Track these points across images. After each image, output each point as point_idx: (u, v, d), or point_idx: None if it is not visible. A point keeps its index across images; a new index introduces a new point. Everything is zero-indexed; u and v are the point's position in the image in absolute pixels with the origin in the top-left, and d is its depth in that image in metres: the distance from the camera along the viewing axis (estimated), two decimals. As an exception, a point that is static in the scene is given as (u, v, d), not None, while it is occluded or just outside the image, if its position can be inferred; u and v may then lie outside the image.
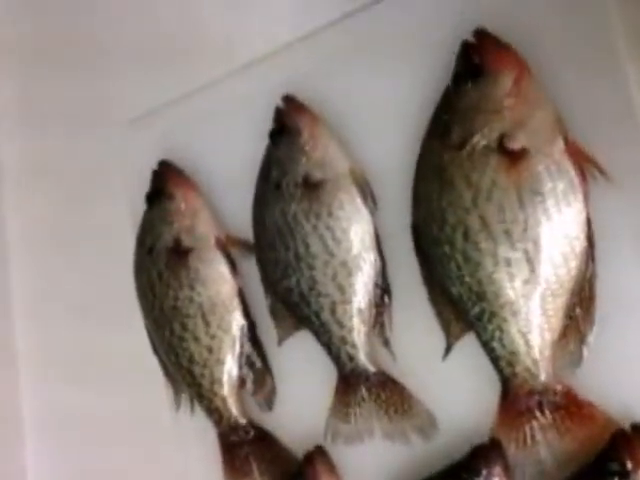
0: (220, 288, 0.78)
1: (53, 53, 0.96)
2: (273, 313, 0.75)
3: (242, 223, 0.79)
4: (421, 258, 0.65)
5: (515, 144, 0.58)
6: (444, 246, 0.61)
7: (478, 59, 0.58)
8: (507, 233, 0.58)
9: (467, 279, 0.60)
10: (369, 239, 0.69)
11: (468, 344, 0.64)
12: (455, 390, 0.67)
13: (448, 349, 0.66)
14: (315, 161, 0.70)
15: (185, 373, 0.80)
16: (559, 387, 0.60)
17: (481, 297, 0.60)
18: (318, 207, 0.69)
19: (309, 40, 0.75)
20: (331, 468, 0.72)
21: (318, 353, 0.72)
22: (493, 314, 0.60)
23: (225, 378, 0.78)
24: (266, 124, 0.76)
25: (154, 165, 0.84)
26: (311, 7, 0.77)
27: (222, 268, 0.79)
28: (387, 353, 0.70)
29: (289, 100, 0.74)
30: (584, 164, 0.57)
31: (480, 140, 0.59)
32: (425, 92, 0.66)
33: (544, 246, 0.58)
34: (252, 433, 0.79)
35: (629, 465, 0.56)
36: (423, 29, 0.68)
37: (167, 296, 0.79)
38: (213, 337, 0.78)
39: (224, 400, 0.78)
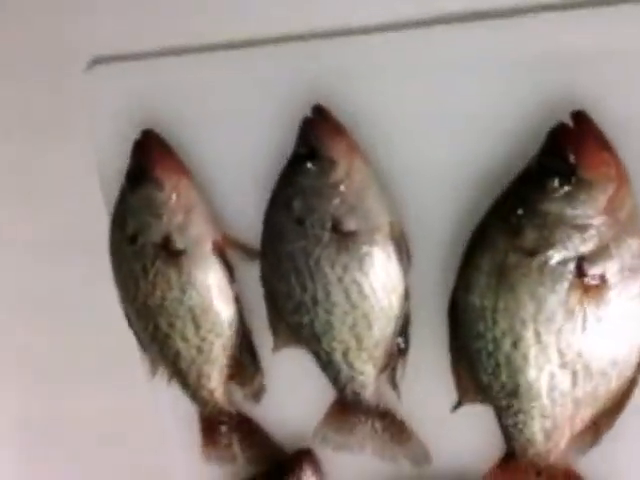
0: (214, 295, 0.69)
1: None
2: (273, 328, 0.68)
3: (243, 221, 0.67)
4: (453, 331, 0.59)
5: (595, 271, 0.50)
6: (488, 344, 0.56)
7: None
8: (561, 353, 0.54)
9: (504, 378, 0.56)
10: (397, 298, 0.61)
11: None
12: (456, 436, 0.66)
13: (458, 405, 0.63)
14: (349, 207, 0.58)
15: (169, 364, 0.73)
16: (561, 466, 0.60)
17: (514, 395, 0.57)
18: (347, 260, 0.59)
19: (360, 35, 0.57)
20: (319, 474, 0.72)
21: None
22: (522, 410, 0.58)
23: (214, 375, 0.73)
24: (283, 112, 0.61)
25: (129, 120, 0.68)
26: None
27: (218, 275, 0.69)
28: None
29: (322, 115, 0.59)
30: None
31: (556, 256, 0.51)
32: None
33: (594, 369, 0.54)
34: (236, 419, 0.76)
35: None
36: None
37: (153, 294, 0.69)
38: (203, 339, 0.70)
39: (211, 392, 0.74)
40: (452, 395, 0.62)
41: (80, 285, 0.78)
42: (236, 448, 0.76)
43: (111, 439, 0.82)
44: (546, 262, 0.51)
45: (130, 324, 0.74)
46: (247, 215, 0.68)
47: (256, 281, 0.67)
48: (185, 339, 0.70)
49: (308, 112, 0.60)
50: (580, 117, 0.49)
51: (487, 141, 0.57)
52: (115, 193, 0.68)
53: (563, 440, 0.59)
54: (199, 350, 0.71)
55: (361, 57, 0.60)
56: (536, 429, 0.58)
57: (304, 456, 0.73)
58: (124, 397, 0.82)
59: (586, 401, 0.56)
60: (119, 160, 0.68)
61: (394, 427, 0.68)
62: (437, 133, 0.59)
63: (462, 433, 0.66)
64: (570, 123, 0.50)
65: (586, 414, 0.57)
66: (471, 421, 0.64)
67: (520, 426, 0.58)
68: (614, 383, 0.55)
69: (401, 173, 0.60)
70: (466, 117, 0.57)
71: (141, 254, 0.68)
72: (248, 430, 0.76)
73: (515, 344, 0.55)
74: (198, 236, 0.67)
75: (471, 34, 0.55)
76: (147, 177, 0.66)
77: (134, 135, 0.68)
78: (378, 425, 0.67)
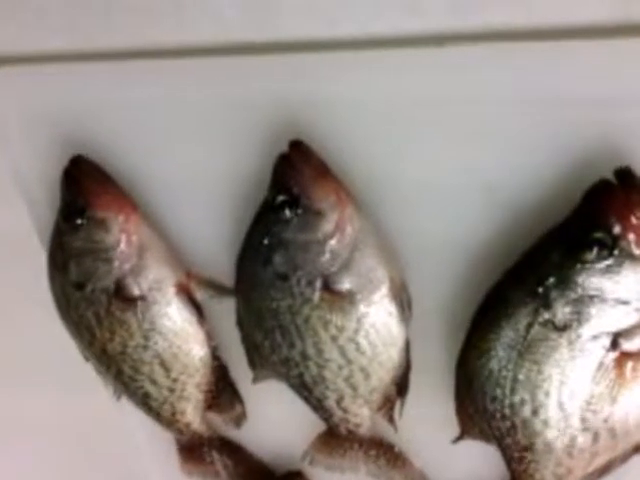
0: (183, 339, 0.60)
1: None
2: (253, 367, 0.60)
3: (207, 254, 0.57)
4: (460, 382, 0.53)
5: (632, 346, 0.44)
6: (505, 409, 0.50)
7: None
8: (584, 420, 0.48)
9: (520, 438, 0.52)
10: (398, 351, 0.53)
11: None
12: (456, 463, 0.62)
13: (460, 438, 0.59)
14: (342, 264, 0.49)
15: (138, 402, 0.65)
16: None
17: (528, 450, 0.53)
18: (342, 321, 0.51)
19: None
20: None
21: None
22: (534, 461, 0.53)
23: (189, 410, 0.65)
24: (246, 130, 0.49)
25: (49, 139, 0.54)
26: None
27: (185, 317, 0.59)
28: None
29: (303, 153, 0.47)
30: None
31: (590, 332, 0.44)
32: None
33: (618, 431, 0.49)
34: (217, 441, 0.70)
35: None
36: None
37: (112, 341, 0.60)
38: (175, 380, 0.62)
39: (187, 424, 0.67)
40: (453, 422, 0.56)
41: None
42: (218, 466, 0.71)
43: (83, 453, 0.75)
44: (578, 338, 0.44)
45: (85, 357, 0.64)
46: (211, 248, 0.57)
47: (230, 313, 0.57)
48: (154, 382, 0.62)
49: (284, 145, 0.47)
50: (627, 176, 0.39)
51: (499, 174, 0.47)
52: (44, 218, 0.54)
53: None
54: (171, 390, 0.62)
55: (344, 75, 0.46)
56: (547, 475, 0.54)
57: (295, 477, 0.69)
58: (93, 407, 0.73)
59: (605, 453, 0.52)
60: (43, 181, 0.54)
61: (390, 454, 0.62)
62: (436, 166, 0.47)
63: (463, 459, 0.61)
64: (614, 181, 0.40)
65: (603, 460, 0.53)
66: (473, 449, 0.60)
67: (531, 472, 0.54)
68: (637, 438, 0.50)
69: (394, 211, 0.49)
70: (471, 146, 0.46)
71: (91, 301, 0.57)
72: (230, 450, 0.70)
73: (535, 412, 0.49)
74: (157, 280, 0.56)
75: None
76: (87, 217, 0.54)
77: (57, 156, 0.54)
78: (373, 452, 0.62)
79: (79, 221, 0.54)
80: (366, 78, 0.45)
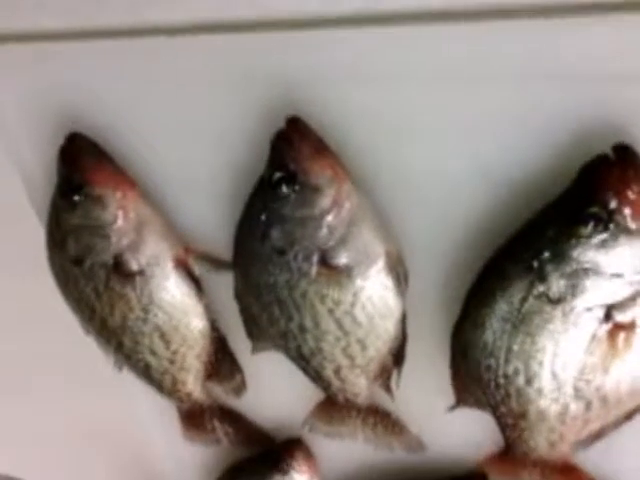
0: (182, 312, 0.60)
1: None
2: (252, 338, 0.61)
3: (204, 229, 0.57)
4: (455, 352, 0.54)
5: (625, 318, 0.45)
6: (499, 378, 0.51)
7: None
8: (577, 389, 0.49)
9: (514, 406, 0.52)
10: (394, 323, 0.54)
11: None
12: (451, 428, 0.64)
13: (456, 406, 0.60)
14: (339, 239, 0.49)
15: (139, 373, 0.66)
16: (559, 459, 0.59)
17: (522, 417, 0.54)
18: (339, 295, 0.51)
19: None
20: (310, 461, 0.70)
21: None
22: (528, 429, 0.54)
23: (190, 379, 0.67)
24: (245, 108, 0.49)
25: (44, 117, 0.53)
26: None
27: (184, 291, 0.59)
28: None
29: (300, 130, 0.47)
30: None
31: (584, 304, 0.44)
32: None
33: (611, 399, 0.51)
34: (217, 409, 0.71)
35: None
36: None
37: (112, 315, 0.60)
38: (175, 352, 0.63)
39: (188, 394, 0.68)
40: (449, 391, 0.57)
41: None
42: (219, 433, 0.72)
43: (90, 434, 0.76)
44: (572, 310, 0.45)
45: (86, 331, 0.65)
46: (209, 224, 0.57)
47: (228, 285, 0.57)
48: (154, 353, 0.62)
49: (281, 122, 0.47)
50: (624, 152, 0.39)
51: (496, 151, 0.47)
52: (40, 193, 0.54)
53: (567, 446, 0.56)
54: (171, 361, 0.63)
55: (339, 53, 0.46)
56: (541, 441, 0.55)
57: (295, 444, 0.70)
58: (95, 388, 0.74)
59: (597, 420, 0.53)
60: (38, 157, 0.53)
61: (387, 421, 0.64)
62: (433, 143, 0.47)
63: (458, 425, 0.62)
64: (611, 156, 0.40)
65: (595, 427, 0.54)
66: (468, 417, 0.61)
67: (525, 438, 0.55)
68: (628, 406, 0.51)
69: (391, 186, 0.49)
70: (470, 124, 0.45)
71: (91, 276, 0.57)
72: (230, 418, 0.72)
73: (529, 381, 0.50)
74: (155, 255, 0.56)
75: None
76: (84, 193, 0.53)
77: (53, 134, 0.53)
78: (370, 420, 0.64)
79: (76, 198, 0.54)
80: (365, 55, 0.45)
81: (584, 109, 0.42)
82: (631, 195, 0.40)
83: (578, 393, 0.49)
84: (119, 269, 0.56)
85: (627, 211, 0.41)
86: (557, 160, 0.44)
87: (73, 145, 0.53)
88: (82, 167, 0.53)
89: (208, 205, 0.56)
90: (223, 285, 0.59)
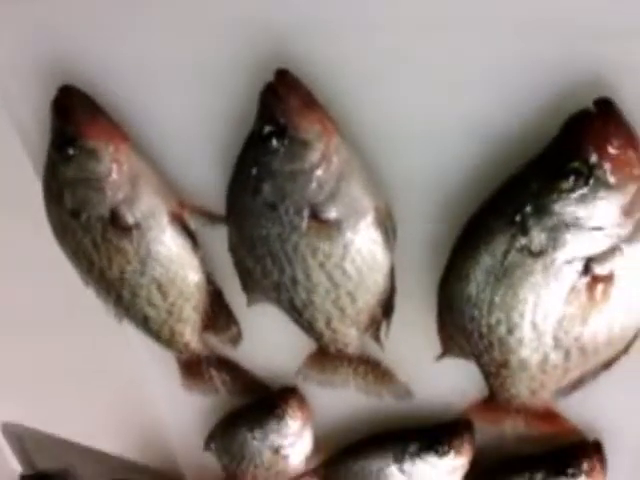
0: (178, 265, 0.62)
1: None
2: (246, 291, 0.63)
3: (198, 183, 0.58)
4: (442, 303, 0.56)
5: (603, 271, 0.46)
6: (482, 327, 0.53)
7: None
8: (556, 339, 0.51)
9: (496, 355, 0.54)
10: (383, 276, 0.56)
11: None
12: (438, 375, 0.65)
13: (442, 356, 0.62)
14: (329, 193, 0.50)
15: (138, 324, 0.68)
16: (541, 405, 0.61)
17: (504, 366, 0.56)
18: (329, 248, 0.53)
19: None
20: (304, 409, 0.73)
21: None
22: (510, 376, 0.56)
23: (187, 330, 0.69)
24: (237, 61, 0.50)
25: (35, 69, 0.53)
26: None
27: (180, 244, 0.61)
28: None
29: (289, 83, 0.47)
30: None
31: (563, 257, 0.46)
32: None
33: (589, 349, 0.52)
34: (214, 359, 0.74)
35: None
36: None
37: (110, 268, 0.62)
38: (172, 304, 0.65)
39: (186, 344, 0.70)
40: (436, 341, 0.59)
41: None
42: (217, 382, 0.75)
43: (90, 377, 0.79)
44: (552, 263, 0.46)
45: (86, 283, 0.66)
46: (202, 177, 0.57)
47: (223, 239, 0.59)
48: (152, 305, 0.64)
49: (270, 75, 0.47)
50: (606, 106, 0.40)
51: (482, 105, 0.47)
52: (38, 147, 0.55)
53: (548, 393, 0.58)
54: (169, 313, 0.65)
55: (331, 2, 0.46)
56: (522, 389, 0.57)
57: (289, 392, 0.72)
58: (96, 337, 0.76)
59: (576, 369, 0.55)
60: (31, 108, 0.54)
61: (377, 370, 0.66)
62: (419, 97, 0.47)
63: (444, 374, 0.64)
64: (593, 111, 0.40)
65: (575, 376, 0.56)
66: (454, 366, 0.63)
67: (507, 386, 0.57)
68: (606, 355, 0.53)
69: (379, 141, 0.49)
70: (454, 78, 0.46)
71: (88, 228, 0.58)
72: (227, 367, 0.74)
73: (510, 331, 0.51)
74: (150, 209, 0.57)
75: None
76: (77, 146, 0.54)
77: (47, 86, 0.54)
78: (361, 369, 0.66)
79: (70, 151, 0.54)
80: (353, 5, 0.45)
81: (571, 64, 0.42)
82: (611, 150, 0.41)
83: (558, 343, 0.51)
84: (116, 222, 0.57)
85: (607, 166, 0.41)
86: (544, 115, 0.45)
87: (66, 97, 0.53)
88: (75, 120, 0.53)
89: (202, 159, 0.56)
90: (218, 239, 0.60)
